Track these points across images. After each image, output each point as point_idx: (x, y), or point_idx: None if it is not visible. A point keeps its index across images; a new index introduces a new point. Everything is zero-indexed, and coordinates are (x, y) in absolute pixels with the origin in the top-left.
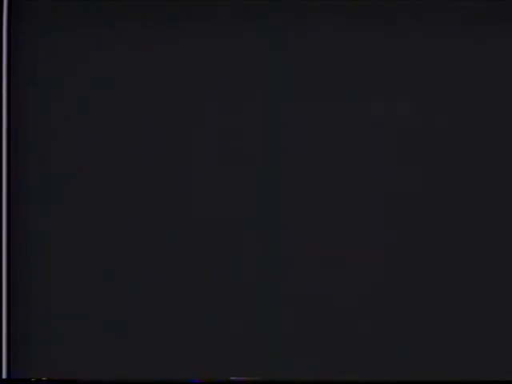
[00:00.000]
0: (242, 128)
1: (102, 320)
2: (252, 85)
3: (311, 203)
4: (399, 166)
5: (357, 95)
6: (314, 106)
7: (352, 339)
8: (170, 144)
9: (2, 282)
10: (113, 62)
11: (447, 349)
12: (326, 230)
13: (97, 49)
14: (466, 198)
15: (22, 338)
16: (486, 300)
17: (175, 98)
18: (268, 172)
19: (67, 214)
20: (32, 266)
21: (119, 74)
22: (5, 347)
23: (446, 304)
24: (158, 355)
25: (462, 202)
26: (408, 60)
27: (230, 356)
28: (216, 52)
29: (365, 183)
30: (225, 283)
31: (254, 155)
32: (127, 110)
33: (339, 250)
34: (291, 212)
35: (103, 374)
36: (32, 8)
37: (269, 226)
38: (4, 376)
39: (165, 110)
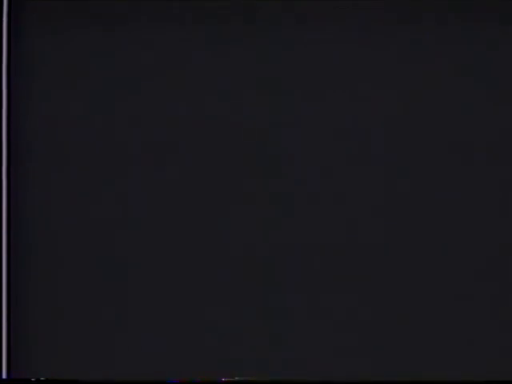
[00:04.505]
0: (242, 128)
1: (102, 320)
2: (252, 85)
3: (311, 203)
4: (399, 166)
5: (356, 95)
6: (314, 106)
7: (351, 339)
8: (169, 143)
9: (2, 282)
10: (113, 62)
11: (447, 349)
12: (325, 230)
13: (97, 48)
14: (467, 198)
15: (22, 338)
16: (486, 299)
17: (175, 97)
18: (268, 172)
19: (67, 213)
20: (32, 265)
21: (119, 74)
22: (5, 347)
23: (446, 303)
24: (158, 355)
25: (464, 202)
26: (408, 60)
27: (229, 356)
28: (216, 52)
29: (364, 183)
30: (224, 283)
31: (253, 155)
32: (127, 109)
33: (339, 251)
34: (291, 213)
35: (103, 374)
36: (32, 8)
37: (269, 226)
38: (4, 376)
39: (165, 109)
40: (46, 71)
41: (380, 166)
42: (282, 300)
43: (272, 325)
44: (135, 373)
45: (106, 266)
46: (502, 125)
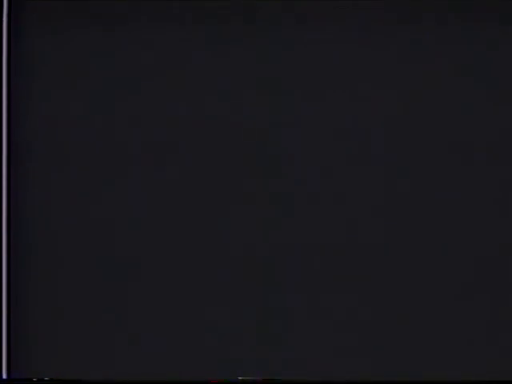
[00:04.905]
0: (242, 128)
1: (102, 320)
2: (252, 85)
3: (311, 203)
4: (399, 166)
5: (356, 95)
6: (314, 106)
7: (351, 339)
8: (169, 143)
9: (2, 282)
10: (113, 62)
11: (447, 349)
12: (325, 230)
13: (97, 48)
14: (467, 198)
15: (22, 338)
16: (486, 299)
17: (175, 97)
18: (268, 172)
19: (67, 213)
20: (32, 265)
21: (119, 74)
22: (5, 347)
23: (446, 303)
24: (158, 355)
25: (464, 202)
26: (408, 60)
27: (229, 356)
28: (216, 52)
29: (364, 183)
30: (224, 283)
31: (253, 155)
32: (127, 109)
33: (339, 251)
34: (291, 213)
35: (103, 374)
36: (32, 8)
37: (269, 226)
38: (4, 376)
39: (165, 109)
40: (46, 71)
41: (380, 166)
42: (282, 300)
43: (272, 325)
44: (135, 373)
45: (106, 266)
46: (502, 125)
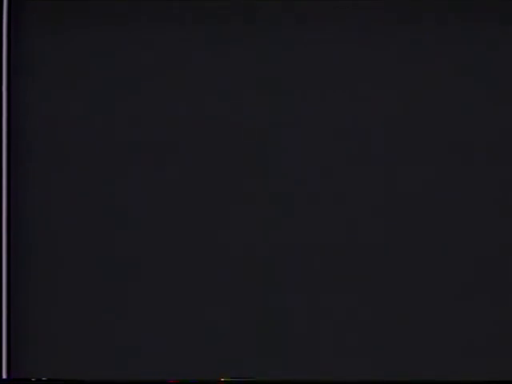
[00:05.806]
0: (242, 128)
1: (102, 320)
2: (252, 85)
3: (311, 203)
4: (399, 166)
5: (356, 95)
6: (314, 106)
7: (351, 339)
8: (169, 143)
9: (2, 282)
10: (113, 62)
11: (447, 349)
12: (325, 230)
13: (97, 48)
14: (467, 198)
15: (22, 338)
16: (486, 299)
17: (175, 97)
18: (268, 172)
19: (67, 213)
20: (32, 265)
21: (119, 74)
22: (5, 347)
23: (446, 303)
24: (158, 355)
25: (464, 202)
26: (408, 60)
27: (229, 356)
28: (216, 52)
29: (364, 183)
30: (224, 283)
31: (253, 155)
32: (127, 109)
33: (339, 251)
34: (291, 213)
35: (103, 374)
36: (32, 8)
37: (269, 226)
38: (4, 376)
39: (165, 109)
40: (46, 71)
41: (380, 166)
42: (282, 300)
43: (272, 325)
44: (135, 373)
45: (106, 266)
46: (502, 125)
